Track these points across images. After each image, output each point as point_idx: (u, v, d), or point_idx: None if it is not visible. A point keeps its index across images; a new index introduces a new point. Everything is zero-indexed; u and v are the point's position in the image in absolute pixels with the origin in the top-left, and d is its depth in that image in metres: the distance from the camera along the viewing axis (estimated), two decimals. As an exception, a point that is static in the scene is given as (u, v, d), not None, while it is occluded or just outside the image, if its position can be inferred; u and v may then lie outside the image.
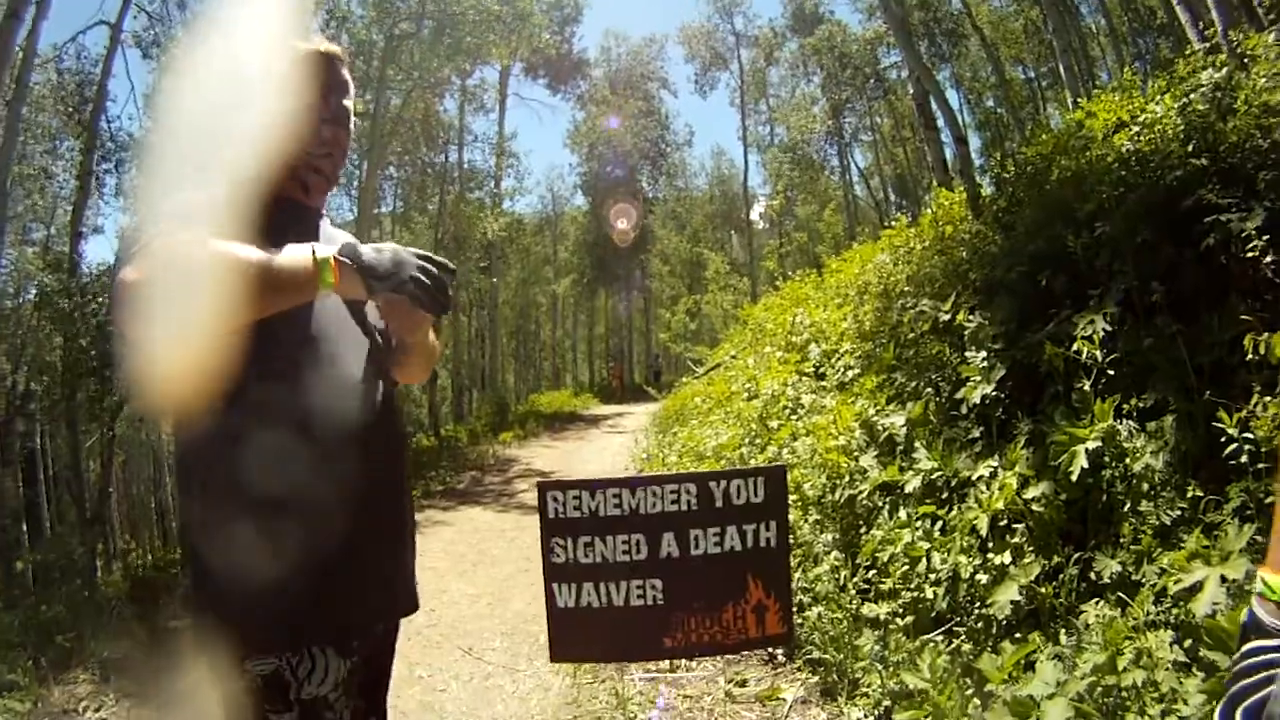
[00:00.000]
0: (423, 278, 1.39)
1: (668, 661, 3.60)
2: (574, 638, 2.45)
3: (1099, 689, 2.10)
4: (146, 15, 14.18)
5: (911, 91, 9.16)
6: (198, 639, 1.45)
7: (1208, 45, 5.19)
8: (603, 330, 43.38)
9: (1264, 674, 0.84)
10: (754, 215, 39.05)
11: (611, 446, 12.82)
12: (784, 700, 3.13)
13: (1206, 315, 3.09)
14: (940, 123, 8.66)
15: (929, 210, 7.44)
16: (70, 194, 14.94)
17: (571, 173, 37.97)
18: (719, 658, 3.60)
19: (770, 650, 3.60)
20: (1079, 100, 9.81)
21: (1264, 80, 3.77)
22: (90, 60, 15.12)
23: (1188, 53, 5.22)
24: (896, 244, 7.39)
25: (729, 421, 7.41)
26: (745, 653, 3.68)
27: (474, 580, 5.26)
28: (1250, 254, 2.97)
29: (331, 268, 1.34)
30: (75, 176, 14.10)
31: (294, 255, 1.32)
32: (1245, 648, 0.89)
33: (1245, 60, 4.24)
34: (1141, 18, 20.74)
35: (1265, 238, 2.94)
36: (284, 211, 1.51)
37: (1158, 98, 4.68)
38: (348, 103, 1.66)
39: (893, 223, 8.62)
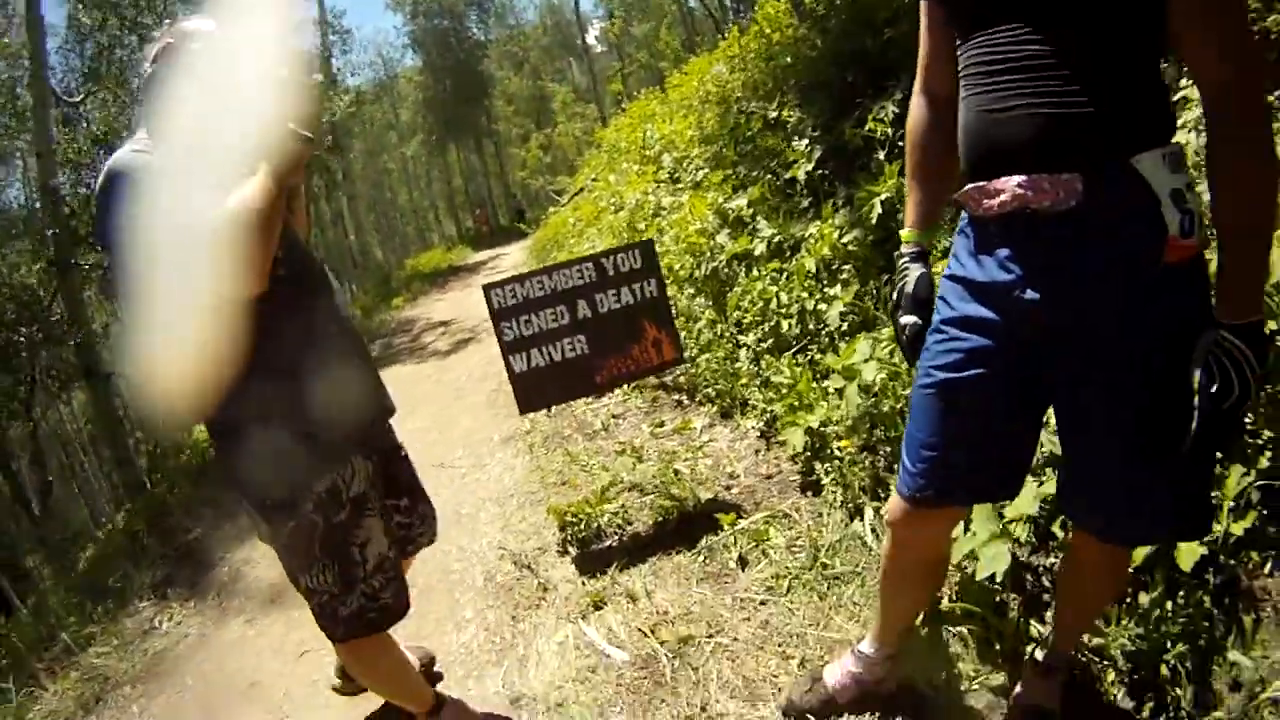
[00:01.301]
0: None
1: (604, 415, 4.57)
2: (532, 391, 3.35)
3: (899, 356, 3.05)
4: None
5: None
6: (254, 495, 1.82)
7: None
8: (460, 183, 42.74)
9: (901, 268, 1.76)
10: (590, 39, 38.42)
11: (498, 285, 13.21)
12: (695, 428, 4.06)
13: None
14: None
15: (757, 21, 8.05)
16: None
17: (398, 35, 36.14)
18: (639, 410, 4.58)
19: (677, 398, 4.57)
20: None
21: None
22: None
23: None
24: (731, 55, 8.00)
25: (603, 234, 8.14)
26: (656, 386, 4.72)
27: (418, 418, 5.80)
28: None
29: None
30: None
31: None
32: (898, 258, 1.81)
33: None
34: None
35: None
36: None
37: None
38: None
39: (726, 34, 9.13)
